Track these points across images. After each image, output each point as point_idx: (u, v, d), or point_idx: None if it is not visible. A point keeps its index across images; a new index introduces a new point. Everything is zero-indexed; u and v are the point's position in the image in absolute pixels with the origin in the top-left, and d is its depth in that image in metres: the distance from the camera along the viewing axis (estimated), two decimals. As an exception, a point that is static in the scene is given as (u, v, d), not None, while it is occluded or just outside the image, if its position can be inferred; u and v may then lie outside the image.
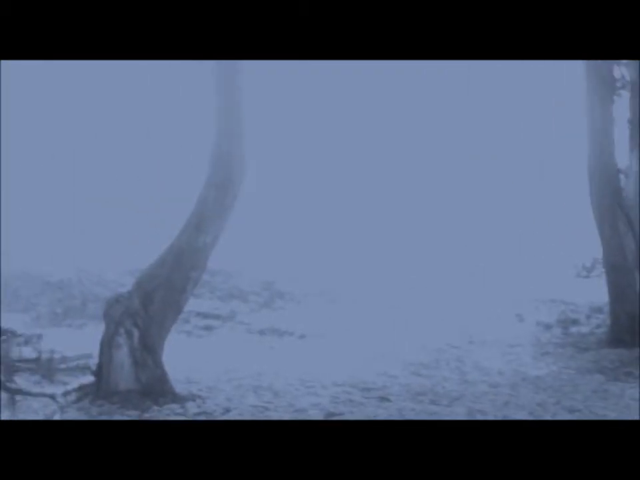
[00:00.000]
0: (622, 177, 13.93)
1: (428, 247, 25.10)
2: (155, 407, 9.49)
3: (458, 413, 9.37)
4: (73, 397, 9.84)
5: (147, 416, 9.22)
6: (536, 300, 18.24)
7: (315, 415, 9.39)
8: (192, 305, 13.03)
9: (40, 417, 9.13)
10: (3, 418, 8.94)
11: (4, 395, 9.51)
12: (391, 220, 32.67)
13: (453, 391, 10.54)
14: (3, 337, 12.49)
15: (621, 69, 14.11)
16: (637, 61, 13.41)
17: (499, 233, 26.30)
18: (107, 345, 9.98)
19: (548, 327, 15.28)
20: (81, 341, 13.02)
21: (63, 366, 11.20)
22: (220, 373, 11.54)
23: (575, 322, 15.67)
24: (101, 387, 9.86)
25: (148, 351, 10.02)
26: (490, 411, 9.39)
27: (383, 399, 10.20)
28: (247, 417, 9.30)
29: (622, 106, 14.08)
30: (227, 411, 9.52)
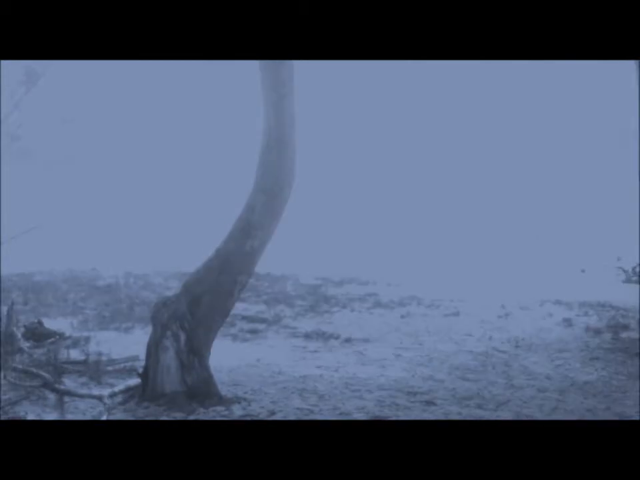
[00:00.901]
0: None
1: (474, 249, 24.93)
2: (201, 409, 9.52)
3: (505, 418, 9.28)
4: (119, 398, 9.91)
5: (192, 418, 9.26)
6: (584, 305, 18.02)
7: (360, 418, 9.35)
8: (238, 308, 13.08)
9: (87, 417, 9.21)
10: (51, 418, 9.04)
11: (52, 396, 9.61)
12: (436, 223, 32.55)
13: (499, 395, 10.43)
14: (52, 339, 12.65)
15: None
16: None
17: (549, 236, 26.03)
18: (154, 348, 10.04)
19: (597, 332, 15.06)
20: (127, 344, 13.14)
21: (110, 368, 11.29)
22: (265, 376, 11.54)
23: (626, 327, 15.43)
24: (147, 389, 9.92)
25: (194, 353, 10.05)
26: (538, 416, 9.28)
27: (429, 402, 10.13)
28: (291, 419, 9.29)
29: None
30: (272, 413, 9.52)
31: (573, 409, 9.58)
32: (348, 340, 14.19)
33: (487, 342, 14.31)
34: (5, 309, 12.95)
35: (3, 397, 9.26)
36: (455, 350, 13.63)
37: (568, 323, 16.04)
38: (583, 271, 21.89)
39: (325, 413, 9.59)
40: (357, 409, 9.75)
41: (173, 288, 16.39)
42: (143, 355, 10.48)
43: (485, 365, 12.44)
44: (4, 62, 7.32)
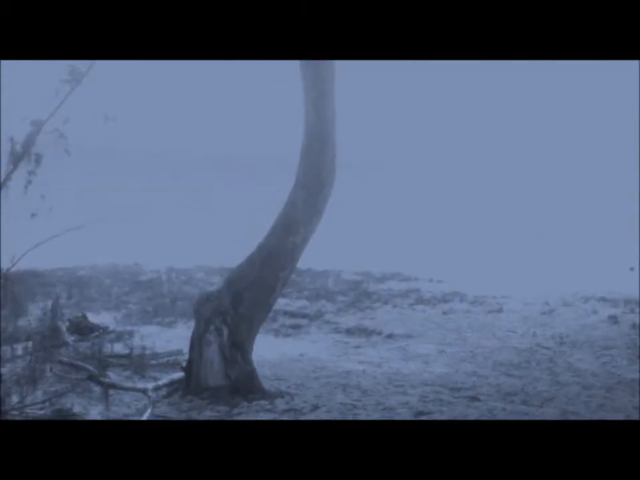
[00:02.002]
0: None
1: (517, 245, 24.75)
2: (244, 403, 9.53)
3: (550, 414, 9.18)
4: (163, 391, 9.97)
5: (235, 412, 9.28)
6: (630, 302, 17.77)
7: (404, 413, 9.31)
8: (280, 303, 13.10)
9: (132, 410, 9.26)
10: (97, 411, 9.11)
11: (98, 389, 9.68)
12: (479, 219, 32.37)
13: (544, 392, 10.32)
14: (96, 333, 12.76)
15: None
16: None
17: (595, 234, 25.75)
18: (197, 342, 10.08)
19: (645, 329, 14.85)
20: (170, 338, 13.21)
21: (153, 362, 11.36)
22: (308, 370, 11.54)
23: (673, 324, 15.21)
24: (190, 383, 9.96)
25: (237, 348, 10.08)
26: (584, 413, 9.17)
27: (473, 398, 10.05)
28: (335, 414, 9.27)
29: None
30: (316, 407, 9.50)
31: (621, 407, 9.45)
32: (390, 336, 14.13)
33: (531, 338, 14.17)
34: (49, 303, 13.08)
35: (50, 389, 9.35)
36: (498, 346, 13.51)
37: (614, 320, 15.82)
38: (631, 269, 21.63)
39: (368, 408, 9.56)
40: (401, 404, 9.70)
41: (215, 283, 16.41)
42: (186, 349, 10.53)
43: (529, 362, 12.32)
44: (48, 61, 7.42)
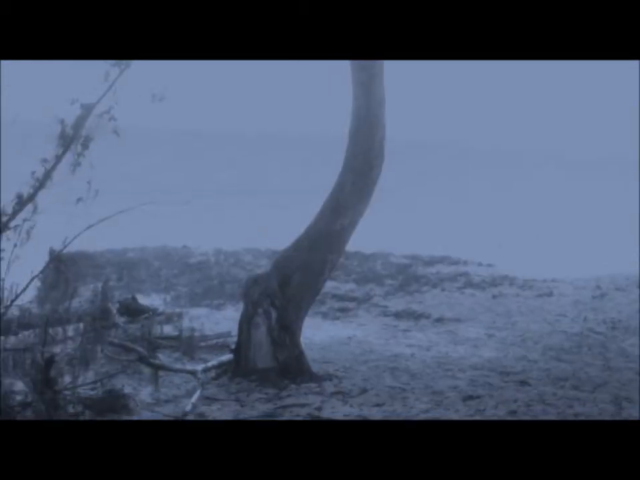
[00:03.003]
0: None
1: (567, 228, 24.46)
2: (292, 386, 9.56)
3: (602, 400, 9.06)
4: (212, 373, 10.03)
5: (284, 394, 9.30)
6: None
7: (453, 397, 9.26)
8: (328, 287, 13.06)
9: (181, 392, 9.34)
10: (147, 392, 9.20)
11: (148, 370, 9.77)
12: (528, 201, 32.09)
13: (596, 377, 10.20)
14: (146, 315, 12.85)
15: None
16: None
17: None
18: (246, 325, 10.12)
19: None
20: (219, 320, 13.26)
21: (202, 344, 11.42)
22: (356, 354, 11.53)
23: None
24: (239, 365, 10.01)
25: (285, 330, 10.10)
26: (638, 399, 9.03)
27: (523, 382, 9.97)
28: (383, 397, 9.26)
29: None
30: (364, 391, 9.49)
31: (675, 392, 9.30)
32: (439, 319, 14.05)
33: (582, 323, 13.99)
34: (100, 285, 13.20)
35: (101, 370, 9.45)
36: (548, 330, 13.37)
37: (667, 304, 15.56)
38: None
39: (416, 391, 9.53)
40: (449, 388, 9.66)
41: (263, 266, 16.47)
42: (234, 331, 10.58)
43: (580, 346, 12.18)
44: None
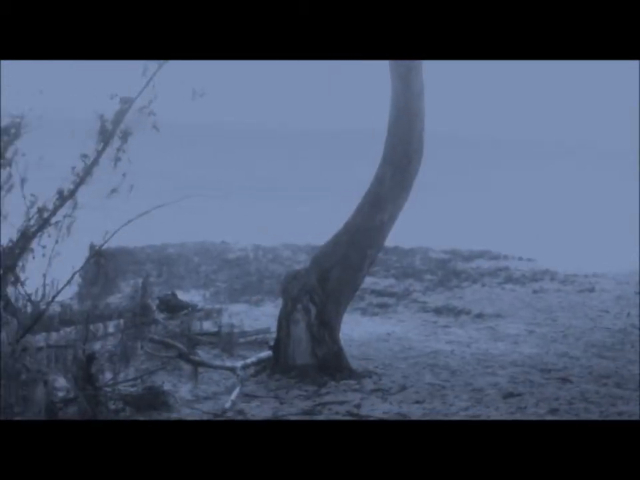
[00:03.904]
0: None
1: (609, 223, 24.14)
2: (332, 382, 9.53)
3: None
4: (251, 370, 10.03)
5: (323, 391, 9.27)
6: None
7: (494, 394, 9.18)
8: (366, 282, 13.01)
9: (221, 388, 9.35)
10: (187, 389, 9.23)
11: (187, 367, 9.79)
12: (568, 195, 31.77)
13: (640, 375, 10.05)
14: (185, 311, 12.89)
15: None
16: None
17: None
18: (285, 321, 10.10)
19: None
20: (258, 316, 13.27)
21: (242, 340, 11.43)
22: (396, 350, 11.47)
23: None
24: (278, 361, 10.00)
25: (325, 326, 10.07)
26: (683, 397, 8.89)
27: (565, 380, 9.86)
28: (423, 395, 9.21)
29: None
30: (404, 388, 9.45)
31: None
32: (479, 315, 13.94)
33: (625, 319, 13.80)
34: (140, 281, 13.25)
35: (141, 367, 9.49)
36: (590, 326, 13.20)
37: None
38: None
39: (456, 389, 9.47)
40: (490, 385, 9.58)
41: (302, 262, 16.47)
42: (273, 328, 10.57)
43: (623, 343, 12.02)
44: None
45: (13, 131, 8.77)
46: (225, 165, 43.18)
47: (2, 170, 8.80)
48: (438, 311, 14.21)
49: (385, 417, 8.30)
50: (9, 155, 8.80)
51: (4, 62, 7.53)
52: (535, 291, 16.24)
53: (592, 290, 16.39)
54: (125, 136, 8.71)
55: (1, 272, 8.97)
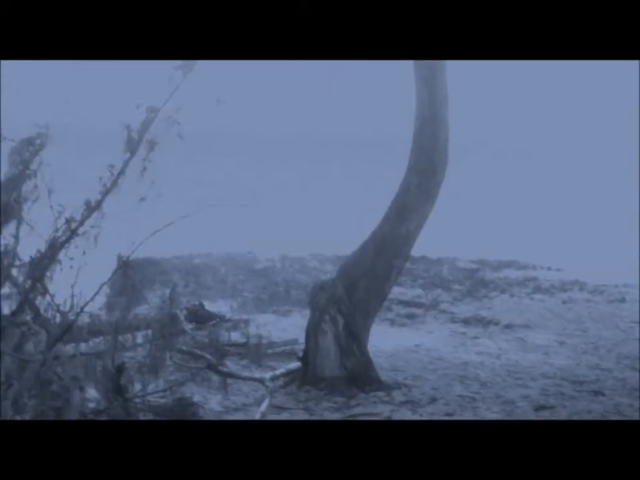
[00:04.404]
0: None
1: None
2: (361, 394, 9.46)
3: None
4: (280, 381, 9.98)
5: (353, 403, 9.21)
6: None
7: (525, 407, 9.08)
8: (394, 292, 12.93)
9: (250, 400, 9.31)
10: (216, 400, 9.19)
11: (216, 378, 9.75)
12: (599, 204, 31.52)
13: (675, 388, 9.91)
14: (213, 322, 12.88)
15: None
16: None
17: None
18: (313, 332, 10.05)
19: None
20: (286, 327, 13.23)
21: (270, 351, 11.38)
22: (425, 361, 11.38)
23: None
24: (307, 373, 9.94)
25: (353, 338, 10.01)
26: None
27: (597, 393, 9.73)
28: (453, 407, 9.13)
29: None
30: (433, 400, 9.37)
31: None
32: (508, 326, 13.82)
33: (657, 330, 13.62)
34: (167, 291, 13.25)
35: (170, 378, 9.47)
36: (622, 338, 13.05)
37: None
38: None
39: (487, 401, 9.38)
40: (521, 398, 9.48)
41: (329, 272, 16.41)
42: (302, 338, 10.52)
43: (658, 355, 11.85)
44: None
45: (38, 141, 8.82)
46: (252, 173, 43.22)
47: (28, 181, 8.85)
48: (466, 322, 14.11)
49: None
50: (34, 165, 8.84)
51: (26, 70, 7.58)
52: (564, 302, 16.10)
53: (622, 300, 16.22)
54: (152, 145, 8.72)
55: (30, 283, 9.01)
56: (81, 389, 7.37)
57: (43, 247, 8.77)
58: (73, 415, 6.91)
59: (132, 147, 8.68)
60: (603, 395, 9.65)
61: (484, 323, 14.04)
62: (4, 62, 7.40)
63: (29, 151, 8.75)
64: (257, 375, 10.09)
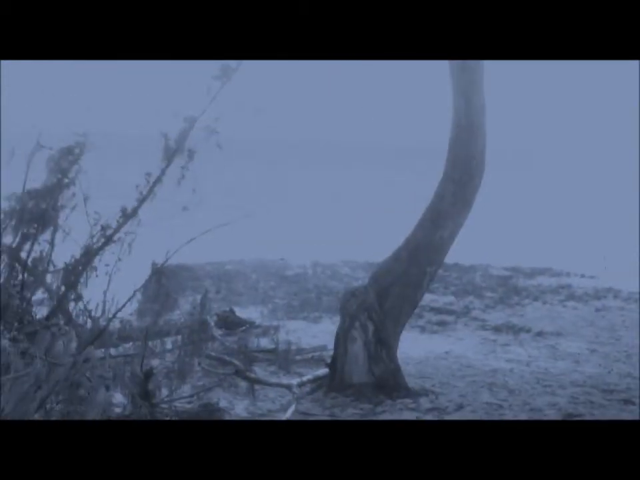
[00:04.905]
0: None
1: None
2: (388, 401, 9.46)
3: None
4: (307, 388, 10.01)
5: (379, 410, 9.22)
6: None
7: (552, 415, 9.02)
8: (425, 299, 12.91)
9: (276, 406, 9.35)
10: (242, 406, 9.23)
11: (244, 384, 9.81)
12: (634, 212, 31.20)
13: None
14: (243, 328, 12.95)
15: None
16: None
17: None
18: (342, 338, 10.07)
19: None
20: (316, 333, 13.26)
21: (298, 357, 11.42)
22: (454, 369, 11.35)
23: None
24: (334, 379, 9.96)
25: (382, 345, 10.02)
26: None
27: (627, 401, 9.64)
28: (480, 414, 9.09)
29: None
30: (460, 407, 9.34)
31: None
32: (540, 334, 13.73)
33: (691, 338, 13.45)
34: (199, 297, 13.33)
35: (198, 384, 9.54)
36: (654, 346, 12.90)
37: None
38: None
39: (514, 408, 9.34)
40: (549, 406, 9.42)
41: (361, 279, 16.43)
42: (330, 345, 10.54)
43: (690, 364, 11.71)
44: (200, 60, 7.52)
45: (77, 150, 8.94)
46: (286, 180, 43.37)
47: (66, 189, 8.97)
48: (497, 329, 14.03)
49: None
50: (72, 174, 8.97)
51: (63, 77, 7.66)
52: (597, 309, 15.97)
53: (657, 308, 16.03)
54: (191, 154, 8.81)
55: (64, 288, 9.13)
56: (107, 387, 7.45)
57: (77, 253, 8.90)
58: (94, 414, 6.97)
59: (169, 155, 8.79)
60: (633, 403, 9.55)
61: (515, 330, 13.96)
62: (24, 64, 7.52)
63: (67, 160, 8.89)
64: (284, 381, 10.13)
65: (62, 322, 8.86)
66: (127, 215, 8.92)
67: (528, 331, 13.92)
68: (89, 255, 8.99)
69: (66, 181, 8.92)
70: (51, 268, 9.18)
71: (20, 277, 8.78)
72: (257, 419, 8.85)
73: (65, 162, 8.93)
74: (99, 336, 8.74)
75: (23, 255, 8.70)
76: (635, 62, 7.96)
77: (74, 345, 8.52)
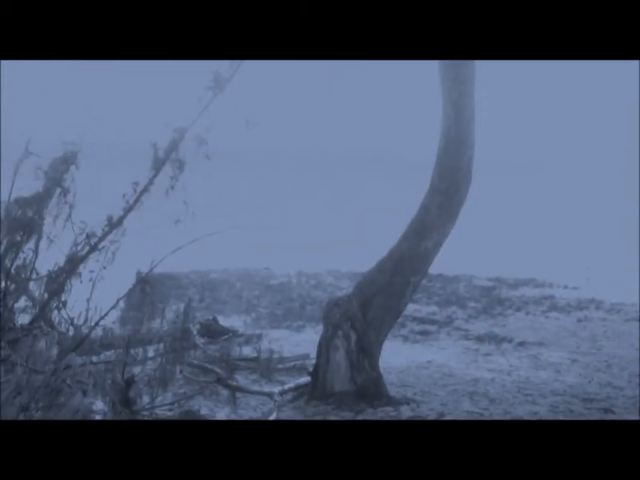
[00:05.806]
0: None
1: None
2: (369, 409, 9.49)
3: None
4: (289, 396, 10.03)
5: (360, 418, 9.23)
6: None
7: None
8: (409, 309, 12.96)
9: (257, 414, 9.36)
10: (224, 414, 9.23)
11: (225, 392, 9.81)
12: (616, 223, 31.38)
13: (687, 407, 9.85)
14: (225, 336, 12.95)
15: None
16: None
17: None
18: (325, 347, 10.09)
19: None
20: (299, 342, 13.27)
21: (280, 366, 11.43)
22: (436, 377, 11.39)
23: None
24: (316, 388, 9.98)
25: (364, 354, 10.05)
26: None
27: (607, 410, 9.71)
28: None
29: None
30: (441, 415, 9.37)
31: None
32: (521, 343, 13.79)
33: (670, 348, 13.53)
34: (182, 305, 13.33)
35: (179, 391, 9.54)
36: (636, 356, 12.97)
37: None
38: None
39: (495, 416, 9.39)
40: (529, 414, 9.48)
41: (345, 288, 16.45)
42: (313, 354, 10.56)
43: (670, 373, 11.77)
44: (191, 69, 7.52)
45: (68, 160, 8.95)
46: (269, 191, 43.40)
47: (52, 197, 8.98)
48: (480, 339, 14.09)
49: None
50: (65, 183, 8.98)
51: (50, 83, 7.68)
52: (579, 320, 16.05)
53: (638, 319, 16.10)
54: (181, 165, 8.82)
55: (47, 296, 9.12)
56: (84, 392, 7.44)
57: (62, 261, 8.90)
58: (66, 414, 6.96)
59: (158, 165, 8.81)
60: (613, 412, 9.62)
61: (497, 340, 14.02)
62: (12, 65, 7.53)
63: (57, 169, 8.90)
64: (266, 389, 10.15)
65: (44, 327, 8.87)
66: (113, 224, 8.94)
67: (510, 340, 13.99)
68: (72, 263, 9.00)
69: (57, 189, 8.93)
70: (34, 276, 9.18)
71: (2, 284, 8.77)
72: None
73: (55, 171, 8.94)
74: (81, 343, 8.74)
75: (6, 262, 8.70)
76: (635, 62, 8.01)
77: (55, 351, 8.53)
